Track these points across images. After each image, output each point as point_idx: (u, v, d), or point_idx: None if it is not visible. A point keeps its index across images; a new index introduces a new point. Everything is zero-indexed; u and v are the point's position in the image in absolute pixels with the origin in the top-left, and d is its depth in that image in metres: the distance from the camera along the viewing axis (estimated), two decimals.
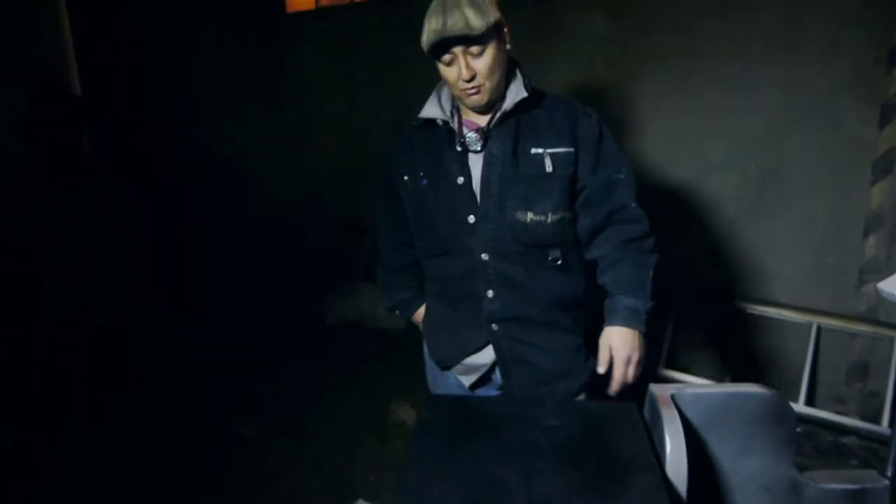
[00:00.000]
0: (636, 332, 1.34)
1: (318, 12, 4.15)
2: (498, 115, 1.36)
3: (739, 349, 2.58)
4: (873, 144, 2.34)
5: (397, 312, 1.62)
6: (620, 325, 1.33)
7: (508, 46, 1.36)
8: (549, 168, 1.35)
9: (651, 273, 1.36)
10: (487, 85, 1.33)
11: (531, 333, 1.39)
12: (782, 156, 2.54)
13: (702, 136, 2.65)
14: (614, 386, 1.36)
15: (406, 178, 1.45)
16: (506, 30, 1.34)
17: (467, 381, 1.46)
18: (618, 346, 1.33)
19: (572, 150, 1.38)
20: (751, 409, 1.19)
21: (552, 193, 1.35)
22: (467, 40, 1.26)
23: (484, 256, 1.35)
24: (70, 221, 3.16)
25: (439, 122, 1.40)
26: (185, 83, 4.37)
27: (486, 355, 1.42)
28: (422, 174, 1.42)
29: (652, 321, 1.37)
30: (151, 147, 4.29)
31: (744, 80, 2.54)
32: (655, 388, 1.22)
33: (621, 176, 1.39)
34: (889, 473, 1.24)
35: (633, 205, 1.39)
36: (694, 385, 1.21)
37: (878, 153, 2.33)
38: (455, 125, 1.40)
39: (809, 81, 2.43)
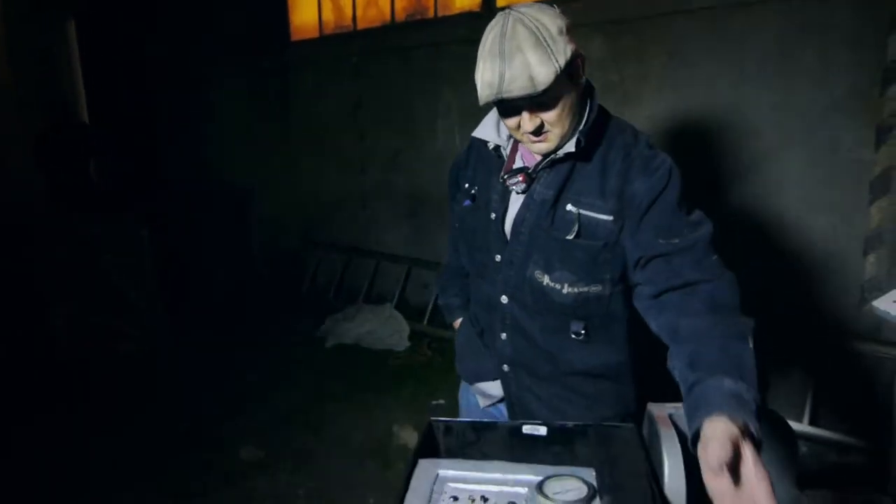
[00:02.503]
0: (732, 421, 0.83)
1: (322, 39, 4.25)
2: (548, 159, 1.18)
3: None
4: (870, 165, 2.36)
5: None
6: (725, 413, 0.84)
7: (583, 80, 1.15)
8: (572, 234, 1.16)
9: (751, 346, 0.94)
10: (556, 132, 1.13)
11: (541, 388, 1.30)
12: (779, 177, 2.56)
13: (697, 159, 2.69)
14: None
15: (465, 185, 1.35)
16: (580, 61, 1.11)
17: (483, 402, 1.46)
18: (725, 447, 0.80)
19: (610, 218, 1.14)
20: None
21: (571, 263, 1.17)
22: (532, 97, 1.05)
23: (504, 299, 1.28)
24: (81, 245, 3.21)
25: (490, 146, 1.28)
26: (193, 111, 4.47)
27: (497, 388, 1.40)
28: (473, 191, 1.32)
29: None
30: (157, 173, 4.37)
31: (739, 103, 2.59)
32: (654, 408, 1.22)
33: (679, 242, 1.08)
34: (892, 491, 1.24)
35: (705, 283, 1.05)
36: None
37: (875, 173, 2.36)
38: (507, 152, 1.26)
39: (804, 103, 2.47)
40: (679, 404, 1.22)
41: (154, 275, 3.44)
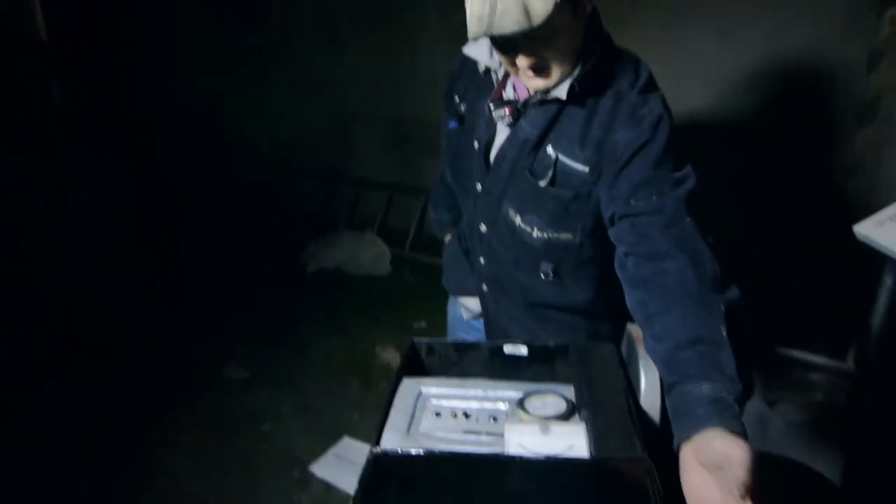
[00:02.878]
0: (730, 435, 0.76)
1: None
2: (538, 97, 1.10)
3: None
4: (860, 91, 2.33)
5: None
6: (708, 427, 0.77)
7: (590, 7, 1.04)
8: (544, 181, 1.11)
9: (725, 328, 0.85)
10: (557, 70, 1.04)
11: (515, 310, 1.32)
12: (768, 103, 2.52)
13: (687, 86, 2.62)
14: None
15: (456, 99, 1.27)
16: None
17: (465, 314, 1.50)
18: (705, 468, 0.75)
19: (586, 168, 1.08)
20: None
21: (542, 210, 1.14)
22: (527, 32, 0.93)
23: (482, 227, 1.27)
24: (50, 181, 3.05)
25: (481, 68, 1.19)
26: (164, 29, 4.17)
27: (477, 304, 1.44)
28: (461, 111, 1.25)
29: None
30: (127, 98, 4.12)
31: (731, 28, 2.49)
32: (633, 328, 1.25)
33: (655, 200, 0.99)
34: (851, 403, 1.31)
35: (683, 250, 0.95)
36: None
37: (865, 100, 2.33)
38: (499, 76, 1.16)
39: (797, 28, 2.39)
40: None
41: (131, 214, 3.33)
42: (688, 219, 0.98)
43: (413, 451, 0.95)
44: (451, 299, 1.60)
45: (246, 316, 3.25)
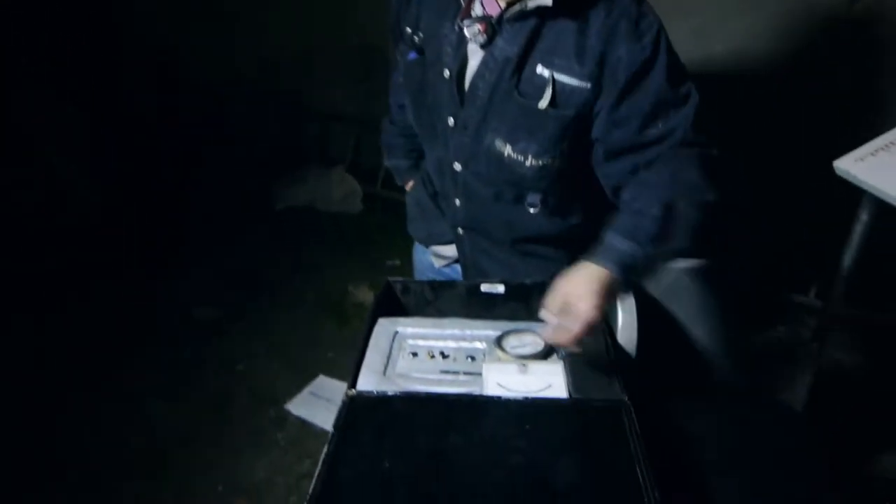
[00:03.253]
0: (608, 274, 0.92)
1: None
2: (517, 8, 1.00)
3: None
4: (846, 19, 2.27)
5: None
6: (590, 259, 0.95)
7: None
8: (544, 102, 1.02)
9: (662, 212, 0.96)
10: None
11: (497, 249, 1.27)
12: (751, 33, 2.44)
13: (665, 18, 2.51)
14: (547, 333, 0.95)
15: (407, 30, 1.15)
16: None
17: (437, 263, 1.44)
18: (576, 274, 0.94)
19: (588, 85, 1.01)
20: (701, 281, 1.23)
21: (539, 135, 1.05)
22: None
23: (456, 166, 1.18)
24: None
25: None
26: None
27: (451, 250, 1.38)
28: (418, 40, 1.13)
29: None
30: (79, 29, 3.75)
31: None
32: None
33: (661, 127, 1.00)
34: (818, 336, 1.34)
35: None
36: None
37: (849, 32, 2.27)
38: None
39: None
40: None
41: (87, 149, 3.12)
42: (692, 140, 1.00)
43: (390, 393, 0.93)
44: (417, 247, 1.51)
45: (214, 254, 3.15)
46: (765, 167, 2.53)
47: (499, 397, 0.90)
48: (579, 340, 0.90)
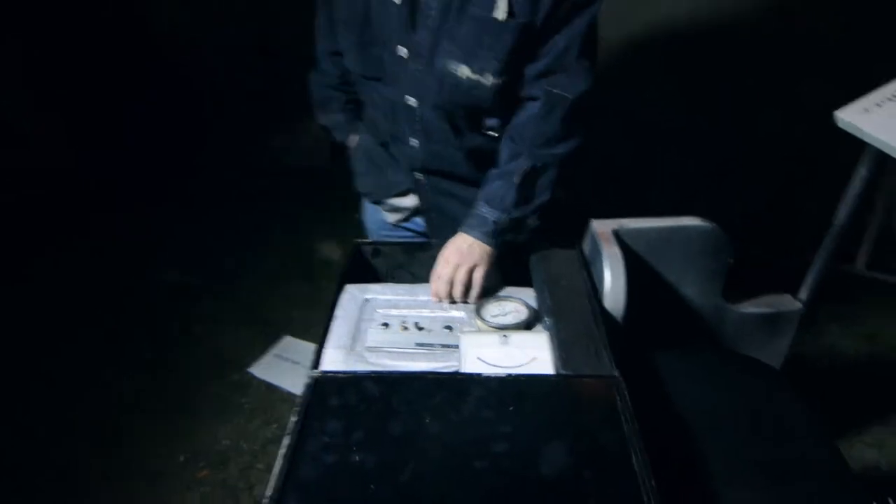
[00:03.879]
0: (476, 242, 1.06)
1: None
2: None
3: None
4: None
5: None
6: (462, 228, 1.08)
7: None
8: (501, 13, 0.95)
9: (518, 183, 1.04)
10: None
11: (460, 188, 1.19)
12: None
13: None
14: (432, 288, 1.06)
15: None
16: None
17: (392, 218, 1.32)
18: (451, 243, 1.07)
19: None
20: (690, 243, 1.15)
21: (498, 49, 0.98)
22: None
23: (410, 100, 1.08)
24: None
25: None
26: None
27: (411, 200, 1.27)
28: None
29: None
30: None
31: None
32: (597, 225, 1.14)
33: (551, 91, 1.01)
34: (804, 297, 1.30)
35: (572, 97, 1.01)
36: (635, 220, 1.14)
37: None
38: None
39: None
40: (625, 220, 1.16)
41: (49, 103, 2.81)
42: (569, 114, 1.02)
43: (359, 372, 0.84)
44: (367, 206, 1.40)
45: (174, 213, 2.95)
46: (753, 120, 2.46)
47: (479, 375, 0.82)
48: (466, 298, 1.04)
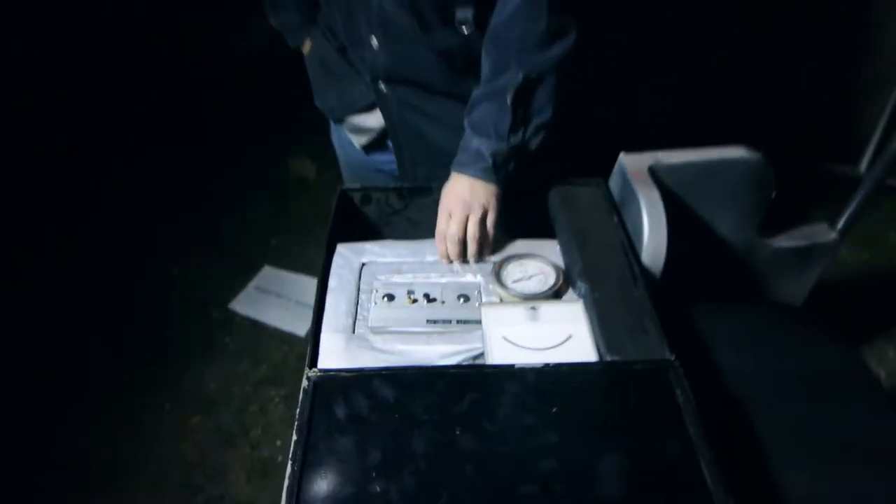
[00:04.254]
0: (476, 181, 0.89)
1: None
2: None
3: None
4: None
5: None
6: (455, 169, 0.90)
7: None
8: None
9: (513, 101, 0.85)
10: None
11: (429, 102, 1.01)
12: None
13: None
14: (438, 248, 0.90)
15: None
16: None
17: (358, 141, 1.14)
18: (446, 191, 0.90)
19: None
20: (732, 177, 1.00)
21: None
22: None
23: None
24: None
25: None
26: None
27: (376, 118, 1.08)
28: None
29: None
30: None
31: None
32: (628, 161, 0.97)
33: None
34: (839, 227, 1.18)
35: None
36: (674, 154, 0.97)
37: None
38: None
39: None
40: (660, 153, 0.99)
41: None
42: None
43: (366, 369, 0.70)
44: (334, 128, 1.21)
45: (119, 126, 2.62)
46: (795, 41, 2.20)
47: (511, 366, 0.69)
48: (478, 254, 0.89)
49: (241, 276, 2.00)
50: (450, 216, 0.88)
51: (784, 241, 1.14)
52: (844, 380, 0.84)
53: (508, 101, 0.85)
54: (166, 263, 2.05)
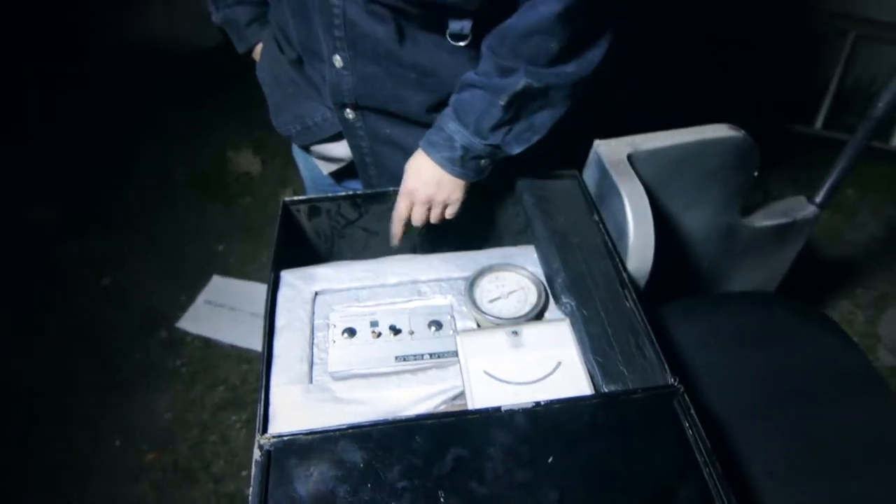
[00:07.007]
0: (445, 173, 0.79)
1: None
2: None
3: None
4: None
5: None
6: (423, 147, 0.80)
7: None
8: None
9: (506, 104, 0.74)
10: None
11: (407, 133, 0.86)
12: None
13: None
14: (392, 229, 0.85)
15: None
16: None
17: (325, 168, 0.99)
18: (411, 168, 0.81)
19: None
20: (715, 158, 0.93)
21: None
22: None
23: None
24: None
25: None
26: None
27: (343, 148, 0.93)
28: None
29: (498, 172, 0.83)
30: None
31: None
32: (603, 147, 0.88)
33: None
34: (818, 200, 1.13)
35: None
36: (652, 138, 0.89)
37: None
38: None
39: None
40: (637, 137, 0.90)
41: None
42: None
43: (329, 429, 0.60)
44: (299, 151, 1.04)
45: (30, 123, 2.36)
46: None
47: (496, 409, 0.60)
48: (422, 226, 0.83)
49: (188, 288, 1.84)
50: (411, 204, 0.82)
51: (764, 220, 1.09)
52: (849, 380, 0.78)
53: (502, 101, 0.74)
54: (97, 273, 1.86)
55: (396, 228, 0.84)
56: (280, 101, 0.94)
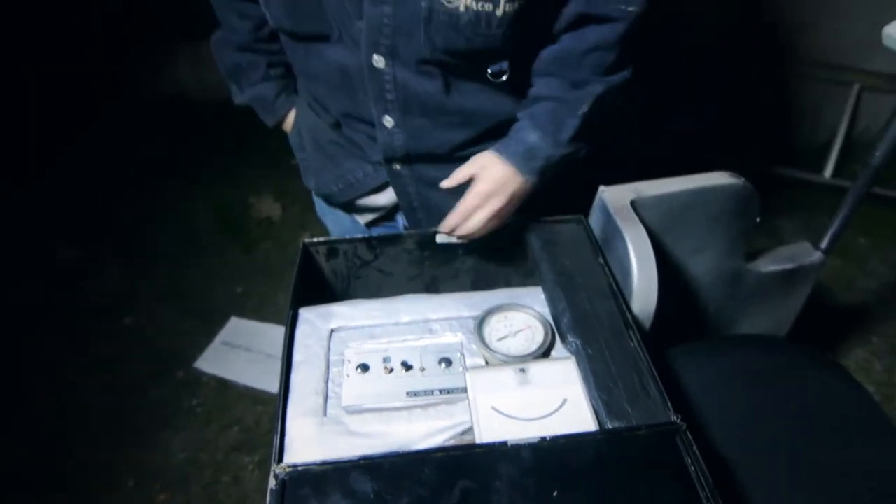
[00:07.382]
0: (520, 177, 0.82)
1: None
2: None
3: None
4: None
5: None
6: (502, 155, 0.82)
7: None
8: None
9: (586, 112, 0.81)
10: None
11: (446, 171, 0.87)
12: None
13: None
14: (450, 220, 0.84)
15: None
16: None
17: (363, 219, 1.04)
18: (487, 173, 0.82)
19: None
20: (717, 205, 0.96)
21: None
22: None
23: (377, 61, 0.77)
24: None
25: None
26: None
27: (387, 196, 0.98)
28: None
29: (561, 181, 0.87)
30: None
31: None
32: (608, 194, 0.92)
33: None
34: (823, 246, 1.15)
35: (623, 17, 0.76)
36: (655, 184, 0.93)
37: None
38: None
39: None
40: (640, 184, 0.94)
41: None
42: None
43: (342, 460, 0.62)
44: (323, 206, 1.09)
45: (62, 168, 2.49)
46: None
47: (503, 444, 0.62)
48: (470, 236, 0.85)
49: (206, 329, 1.89)
50: (479, 205, 0.82)
51: (769, 265, 1.11)
52: (857, 423, 0.79)
53: (581, 111, 0.81)
54: (119, 313, 1.92)
55: (453, 220, 0.84)
56: (319, 164, 0.99)
